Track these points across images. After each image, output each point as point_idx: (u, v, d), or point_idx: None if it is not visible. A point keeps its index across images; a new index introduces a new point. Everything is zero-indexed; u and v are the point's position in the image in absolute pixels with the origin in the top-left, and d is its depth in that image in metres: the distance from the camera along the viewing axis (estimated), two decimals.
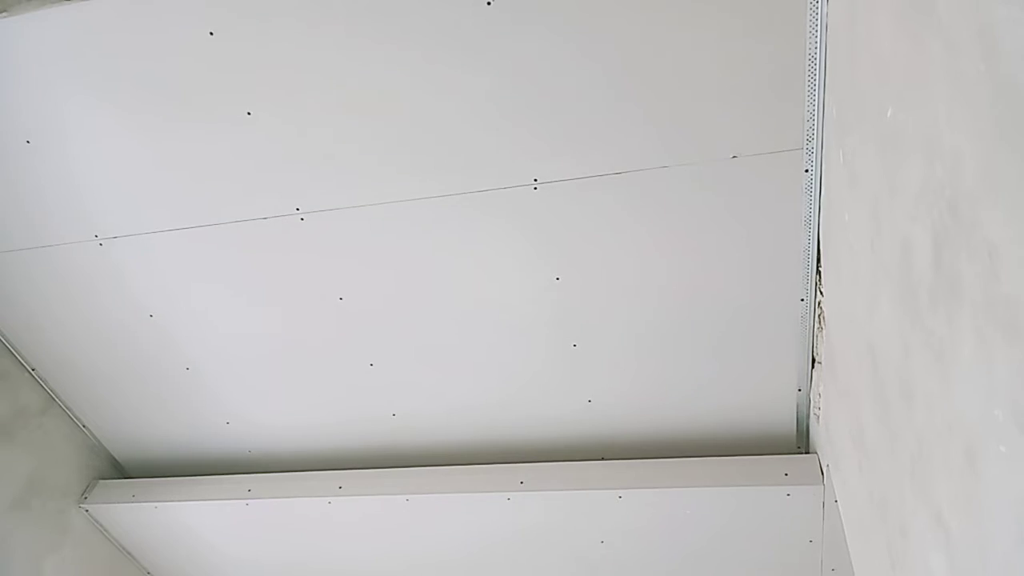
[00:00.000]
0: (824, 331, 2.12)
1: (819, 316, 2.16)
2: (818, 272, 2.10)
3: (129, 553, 3.16)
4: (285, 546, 3.02)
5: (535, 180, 2.11)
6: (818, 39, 1.73)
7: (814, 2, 1.69)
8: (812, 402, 2.36)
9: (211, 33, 1.97)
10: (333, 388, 2.71)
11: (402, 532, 2.86)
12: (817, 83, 1.79)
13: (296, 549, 3.02)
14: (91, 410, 3.00)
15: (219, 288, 2.52)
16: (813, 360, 2.29)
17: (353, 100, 2.03)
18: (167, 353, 2.73)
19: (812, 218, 2.01)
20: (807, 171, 1.94)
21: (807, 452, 2.52)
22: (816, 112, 1.84)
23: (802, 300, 2.19)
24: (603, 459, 2.67)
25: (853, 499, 1.87)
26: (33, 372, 2.86)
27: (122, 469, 3.20)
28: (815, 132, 1.87)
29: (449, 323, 2.46)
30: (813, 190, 1.96)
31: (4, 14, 2.02)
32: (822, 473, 2.35)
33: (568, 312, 2.37)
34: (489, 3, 1.82)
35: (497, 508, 2.66)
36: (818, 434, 2.36)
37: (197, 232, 2.38)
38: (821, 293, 2.10)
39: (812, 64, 1.78)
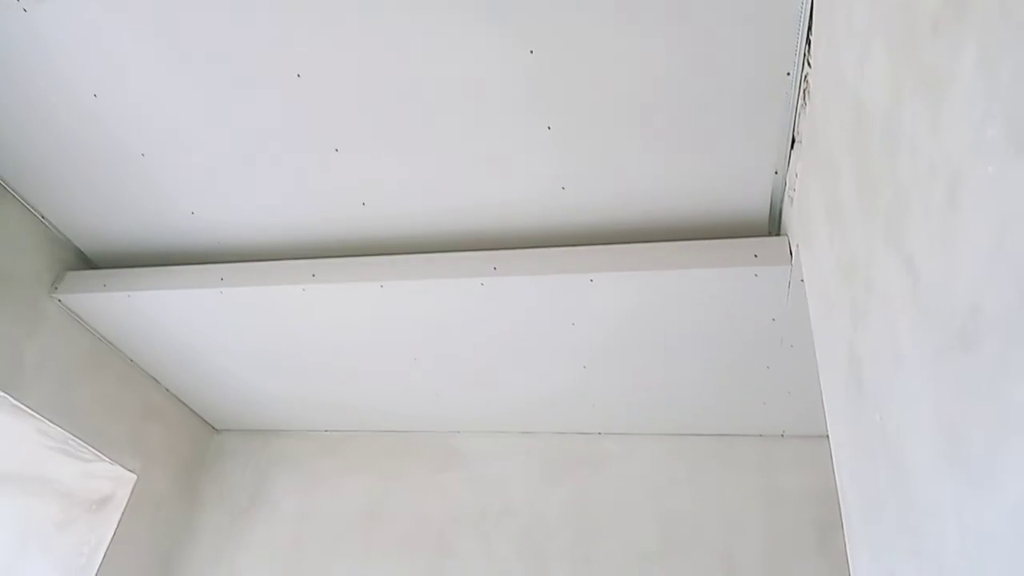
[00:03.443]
0: (807, 107, 2.04)
1: (804, 91, 2.06)
2: (808, 42, 1.97)
3: (109, 341, 3.22)
4: (259, 333, 3.07)
5: None
6: None
7: None
8: (788, 184, 2.33)
9: None
10: (297, 174, 2.61)
11: (376, 318, 2.91)
12: None
13: (270, 336, 3.08)
14: (49, 201, 2.89)
15: (165, 65, 2.32)
16: (793, 140, 2.23)
17: None
18: (118, 139, 2.58)
19: None
20: None
21: (779, 235, 2.53)
22: None
23: (788, 75, 2.08)
24: (576, 246, 2.67)
25: (820, 271, 1.89)
26: None
27: (91, 262, 3.16)
28: None
29: (416, 105, 2.32)
30: None
31: None
32: (791, 253, 2.37)
33: (543, 90, 2.23)
34: None
35: (470, 293, 2.69)
36: (791, 216, 2.35)
37: None
38: (809, 65, 1.99)
39: None
